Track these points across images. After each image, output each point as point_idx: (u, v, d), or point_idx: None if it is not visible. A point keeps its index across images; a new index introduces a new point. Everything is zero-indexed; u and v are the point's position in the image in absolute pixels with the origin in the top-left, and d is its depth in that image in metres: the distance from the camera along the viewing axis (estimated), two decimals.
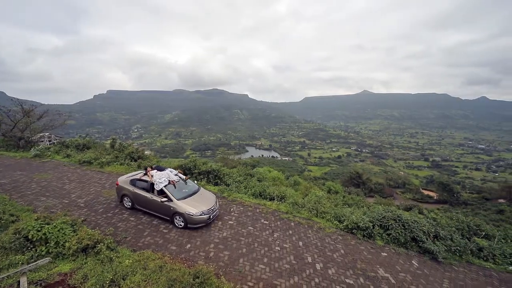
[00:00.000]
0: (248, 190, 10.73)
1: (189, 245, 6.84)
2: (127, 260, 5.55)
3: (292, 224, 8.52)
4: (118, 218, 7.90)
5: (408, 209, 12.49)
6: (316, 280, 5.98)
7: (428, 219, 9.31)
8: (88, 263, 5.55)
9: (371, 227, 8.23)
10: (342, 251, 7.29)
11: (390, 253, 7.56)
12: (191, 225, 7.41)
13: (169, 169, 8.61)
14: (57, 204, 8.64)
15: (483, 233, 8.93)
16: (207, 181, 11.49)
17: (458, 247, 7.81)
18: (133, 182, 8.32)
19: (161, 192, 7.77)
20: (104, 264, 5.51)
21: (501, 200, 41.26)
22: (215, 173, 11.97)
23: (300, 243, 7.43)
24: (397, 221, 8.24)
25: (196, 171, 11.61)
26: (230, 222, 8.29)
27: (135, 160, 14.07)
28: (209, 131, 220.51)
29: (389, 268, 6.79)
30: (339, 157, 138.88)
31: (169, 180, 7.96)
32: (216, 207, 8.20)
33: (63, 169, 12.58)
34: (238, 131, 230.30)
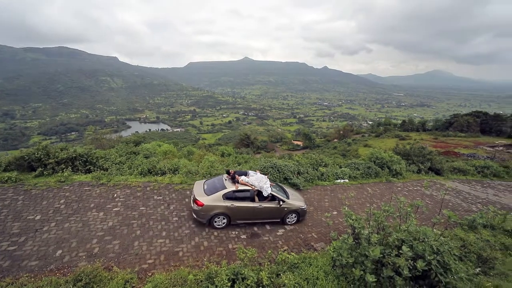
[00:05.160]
0: (133, 170, 9.55)
1: (60, 251, 5.51)
2: None
3: (188, 192, 8.66)
4: None
5: (281, 157, 15.83)
6: (215, 233, 6.70)
7: (294, 162, 12.29)
8: None
9: None
10: None
11: None
12: (302, 217, 7.72)
13: (250, 171, 7.92)
14: None
15: (324, 163, 13.01)
16: (73, 170, 9.08)
17: (311, 177, 11.05)
18: (229, 196, 6.96)
19: (264, 198, 7.25)
20: None
21: (335, 140, 60.61)
22: (84, 158, 9.60)
23: None
24: (273, 167, 10.35)
25: (51, 160, 8.76)
26: (115, 209, 7.27)
27: None
28: (66, 107, 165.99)
29: None
30: (230, 122, 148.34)
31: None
32: None
33: None
34: (112, 103, 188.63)
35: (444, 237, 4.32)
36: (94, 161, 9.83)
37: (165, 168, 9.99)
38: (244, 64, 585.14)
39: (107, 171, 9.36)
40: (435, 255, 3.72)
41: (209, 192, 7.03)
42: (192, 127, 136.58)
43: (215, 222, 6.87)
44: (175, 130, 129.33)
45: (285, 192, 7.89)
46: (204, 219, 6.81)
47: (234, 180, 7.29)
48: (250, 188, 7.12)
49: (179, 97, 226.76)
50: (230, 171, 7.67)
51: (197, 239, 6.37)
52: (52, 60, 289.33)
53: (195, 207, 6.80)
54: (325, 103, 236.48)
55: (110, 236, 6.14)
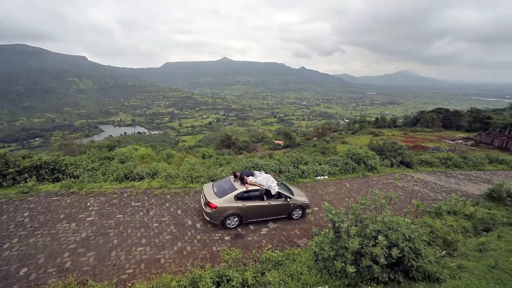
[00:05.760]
0: (108, 176, 9.03)
1: (25, 269, 5.03)
2: None
3: (168, 196, 8.41)
4: None
5: (263, 157, 15.97)
6: (198, 237, 6.56)
7: (275, 161, 12.45)
8: None
9: None
10: None
11: None
12: (306, 212, 7.90)
13: (256, 171, 8.14)
14: None
15: (304, 161, 13.35)
16: (39, 180, 8.34)
17: (292, 175, 11.27)
18: (240, 197, 7.12)
19: (271, 196, 7.49)
20: None
21: (315, 138, 62.46)
22: (51, 166, 8.87)
23: (179, 211, 7.61)
24: (255, 167, 10.39)
25: (11, 170, 7.96)
26: (89, 218, 6.82)
27: None
28: (28, 111, 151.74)
29: None
30: (210, 123, 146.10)
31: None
32: None
33: None
34: (82, 106, 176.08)
35: (414, 225, 4.67)
36: (63, 168, 9.13)
37: (143, 172, 9.59)
38: (223, 64, 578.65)
39: (78, 178, 8.73)
40: (407, 242, 4.01)
41: (220, 194, 7.13)
42: (171, 129, 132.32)
43: (228, 222, 7.03)
44: (152, 133, 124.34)
45: (289, 189, 8.25)
46: (218, 221, 6.92)
47: (242, 181, 7.47)
48: (259, 187, 7.39)
49: (156, 98, 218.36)
50: (237, 173, 7.86)
51: (180, 244, 6.20)
52: (8, 59, 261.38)
53: (208, 209, 6.87)
54: (304, 103, 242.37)
55: (83, 248, 5.74)
